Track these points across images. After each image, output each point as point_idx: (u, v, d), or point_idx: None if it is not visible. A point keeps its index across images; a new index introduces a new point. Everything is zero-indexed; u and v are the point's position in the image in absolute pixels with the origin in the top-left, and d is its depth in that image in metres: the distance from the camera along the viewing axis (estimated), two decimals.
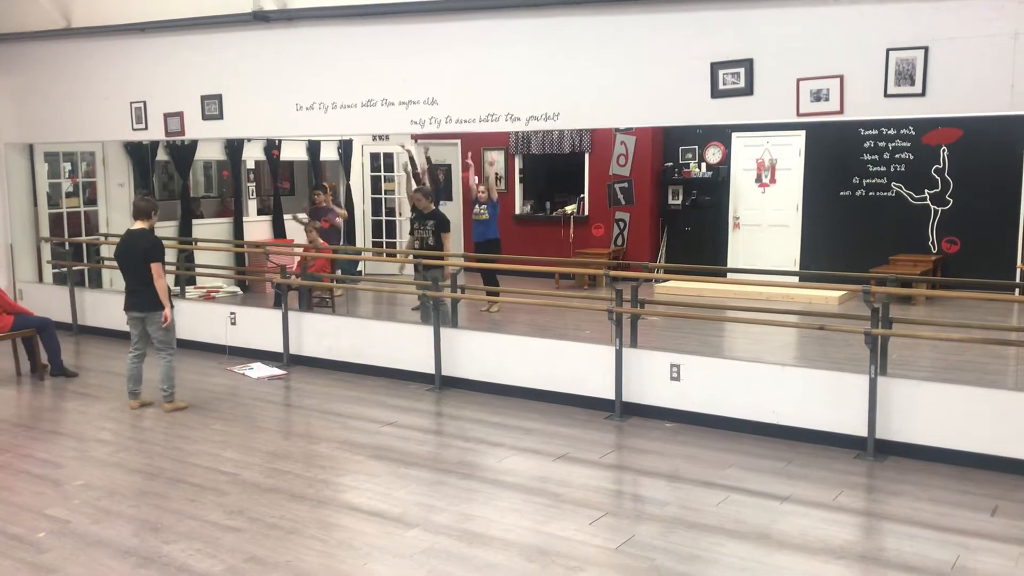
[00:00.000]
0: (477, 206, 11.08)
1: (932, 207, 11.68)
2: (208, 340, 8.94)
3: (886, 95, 5.78)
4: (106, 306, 10.14)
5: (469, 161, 12.23)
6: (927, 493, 5.26)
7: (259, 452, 6.13)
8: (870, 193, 12.06)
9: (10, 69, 10.40)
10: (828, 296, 10.71)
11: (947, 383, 5.99)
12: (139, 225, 7.05)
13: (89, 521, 4.95)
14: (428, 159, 13.18)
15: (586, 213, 13.72)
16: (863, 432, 5.91)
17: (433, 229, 9.37)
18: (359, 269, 13.24)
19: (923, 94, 5.67)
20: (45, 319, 8.32)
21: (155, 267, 6.91)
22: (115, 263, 7.38)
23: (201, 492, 5.37)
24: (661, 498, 5.27)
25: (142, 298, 6.96)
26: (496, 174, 12.04)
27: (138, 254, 6.93)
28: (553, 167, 14.38)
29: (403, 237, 13.84)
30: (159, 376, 7.12)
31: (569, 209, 13.83)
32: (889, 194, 11.94)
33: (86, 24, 9.48)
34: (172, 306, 7.03)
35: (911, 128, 11.67)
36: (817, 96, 5.98)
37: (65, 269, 10.48)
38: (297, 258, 9.81)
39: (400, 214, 14.12)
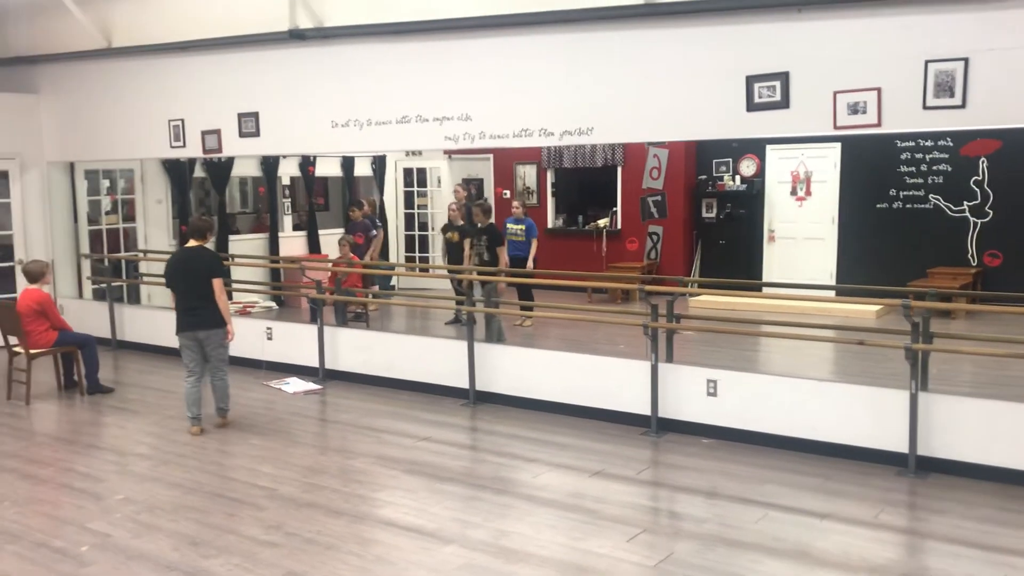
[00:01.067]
0: (512, 225, 11.00)
1: (971, 219, 11.51)
2: (245, 355, 9.01)
3: (925, 107, 5.73)
4: (144, 322, 10.29)
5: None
6: (971, 511, 5.17)
7: (296, 467, 6.16)
8: (907, 205, 11.93)
9: (53, 89, 10.63)
10: (865, 310, 10.58)
11: (990, 399, 5.87)
12: (194, 244, 7.00)
13: (130, 535, 5.00)
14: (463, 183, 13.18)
15: (619, 227, 13.69)
16: (904, 448, 5.83)
17: (487, 244, 9.36)
18: (392, 284, 13.31)
19: (963, 106, 5.61)
20: (87, 336, 8.43)
21: (218, 283, 6.85)
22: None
23: (239, 507, 5.41)
24: (699, 515, 5.22)
25: (203, 316, 6.84)
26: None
27: (200, 271, 6.85)
28: (585, 181, 14.37)
29: (436, 251, 13.89)
30: (217, 394, 7.11)
31: (602, 223, 13.81)
32: (927, 206, 11.79)
33: (126, 44, 9.65)
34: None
35: (949, 139, 11.53)
36: (854, 109, 5.93)
37: (104, 285, 10.64)
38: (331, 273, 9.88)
39: (432, 228, 14.20)
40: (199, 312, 6.88)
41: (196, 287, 6.87)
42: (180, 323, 6.97)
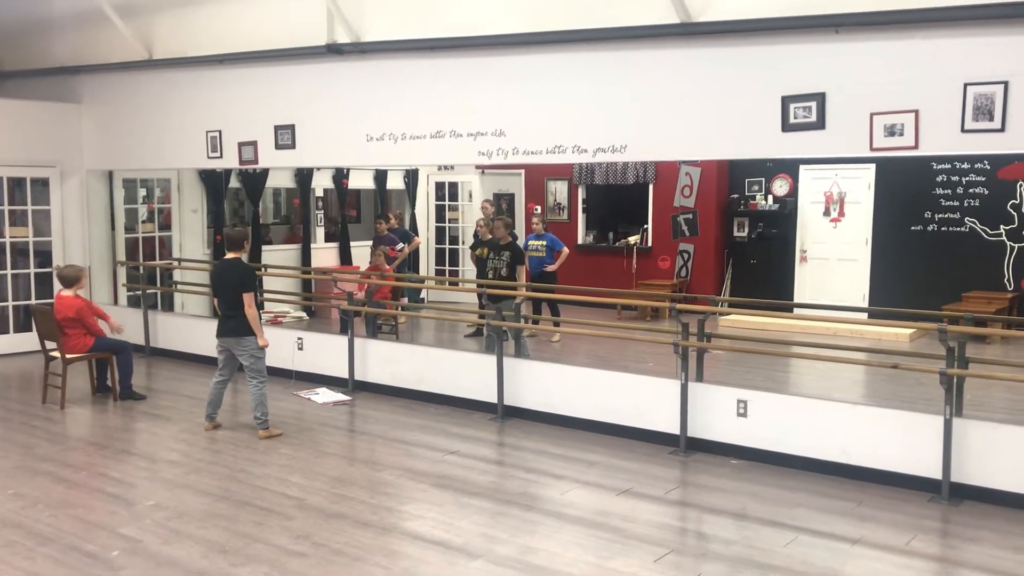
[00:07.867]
0: (533, 241, 11.05)
1: (1008, 243, 11.36)
2: (275, 364, 9.04)
3: (963, 130, 5.68)
4: (177, 329, 10.40)
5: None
6: (1007, 540, 5.09)
7: (324, 477, 6.20)
8: (942, 228, 11.79)
9: (94, 98, 10.82)
10: (898, 333, 10.46)
11: None
12: (232, 255, 7.19)
13: (160, 541, 5.05)
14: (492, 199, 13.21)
15: (650, 244, 13.67)
16: (937, 475, 5.75)
17: (508, 261, 9.39)
18: (422, 296, 13.36)
19: (1002, 129, 5.56)
20: (123, 342, 8.51)
21: (247, 297, 7.03)
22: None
23: (268, 516, 5.44)
24: (727, 536, 5.18)
25: (233, 324, 7.08)
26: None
27: (231, 284, 7.07)
28: (616, 197, 14.36)
29: (466, 265, 13.93)
30: (251, 403, 7.20)
31: (632, 240, 13.79)
32: (962, 229, 11.65)
33: (167, 56, 9.82)
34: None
35: (986, 162, 11.40)
36: (891, 131, 5.89)
37: (139, 292, 10.77)
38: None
39: (463, 243, 14.25)
40: (230, 320, 7.13)
41: (228, 298, 7.12)
42: (217, 329, 7.26)
